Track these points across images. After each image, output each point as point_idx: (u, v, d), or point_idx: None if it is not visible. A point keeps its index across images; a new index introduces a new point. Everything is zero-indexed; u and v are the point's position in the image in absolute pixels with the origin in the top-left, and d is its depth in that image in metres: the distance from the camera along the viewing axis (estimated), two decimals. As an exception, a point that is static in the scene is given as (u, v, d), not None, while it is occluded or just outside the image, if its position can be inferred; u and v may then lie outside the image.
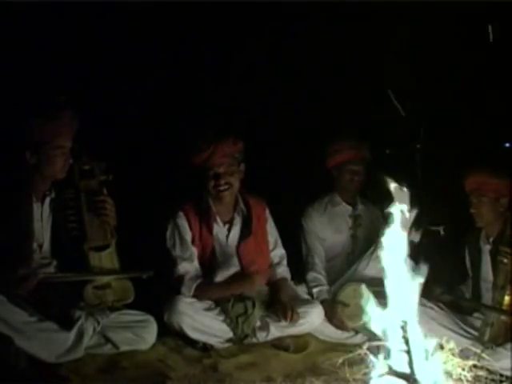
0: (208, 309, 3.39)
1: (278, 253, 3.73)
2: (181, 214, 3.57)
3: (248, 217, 3.62)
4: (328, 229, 3.91)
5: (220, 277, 3.54)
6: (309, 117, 4.55)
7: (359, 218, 3.94)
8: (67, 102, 3.03)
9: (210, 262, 3.56)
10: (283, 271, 3.69)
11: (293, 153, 4.42)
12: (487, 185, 3.33)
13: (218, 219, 3.60)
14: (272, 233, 3.73)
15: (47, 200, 3.11)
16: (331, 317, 3.53)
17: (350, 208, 3.96)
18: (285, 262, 3.74)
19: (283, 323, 3.39)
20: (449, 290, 3.48)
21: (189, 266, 3.50)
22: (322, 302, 3.58)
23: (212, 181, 3.50)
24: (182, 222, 3.55)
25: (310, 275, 3.76)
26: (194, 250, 3.54)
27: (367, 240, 3.84)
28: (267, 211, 3.73)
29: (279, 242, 3.76)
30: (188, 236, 3.54)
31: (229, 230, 3.62)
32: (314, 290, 3.68)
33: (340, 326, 3.51)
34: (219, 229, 3.60)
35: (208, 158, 3.47)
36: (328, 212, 3.94)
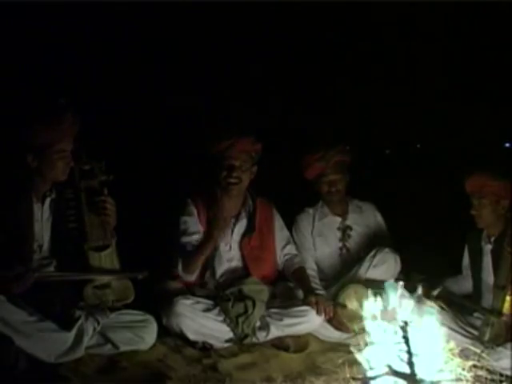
0: (207, 309, 3.38)
1: (291, 246, 3.75)
2: (189, 201, 3.61)
3: (253, 214, 3.64)
4: (317, 240, 3.86)
5: (221, 269, 3.58)
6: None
7: (349, 230, 3.85)
8: (68, 104, 3.03)
9: (212, 254, 3.56)
10: (300, 261, 3.71)
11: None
12: (487, 187, 3.31)
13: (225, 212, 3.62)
14: (282, 230, 3.75)
15: (47, 200, 3.11)
16: (331, 318, 3.52)
17: (338, 219, 3.88)
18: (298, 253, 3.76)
19: (290, 320, 3.39)
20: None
21: (196, 227, 3.54)
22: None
23: (225, 171, 3.53)
24: (191, 207, 3.59)
25: None
26: (200, 229, 3.55)
27: (361, 248, 3.79)
28: (274, 210, 3.75)
29: (291, 238, 3.79)
30: (195, 218, 3.56)
31: (234, 224, 3.64)
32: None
33: (339, 327, 3.51)
34: None
35: (226, 148, 3.51)
36: (316, 224, 3.87)
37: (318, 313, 3.40)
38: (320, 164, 3.74)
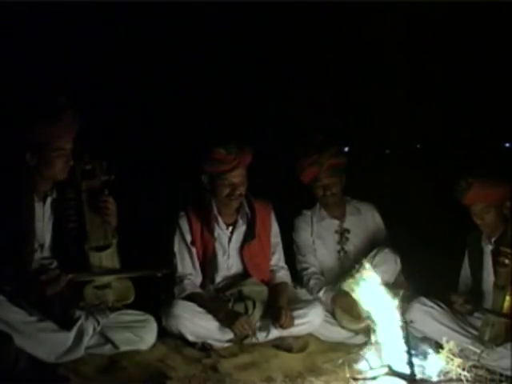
0: (206, 311, 3.38)
1: (279, 256, 3.71)
2: (182, 214, 3.57)
3: (252, 220, 3.60)
4: (316, 242, 3.83)
5: (220, 277, 3.56)
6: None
7: (346, 233, 3.82)
8: (68, 103, 3.02)
9: (211, 263, 3.55)
10: (283, 275, 3.66)
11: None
12: (491, 196, 3.27)
13: (221, 221, 3.59)
14: (276, 237, 3.71)
15: (48, 200, 3.11)
16: (348, 308, 3.45)
17: (336, 222, 3.84)
18: (285, 265, 3.72)
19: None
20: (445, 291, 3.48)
21: (188, 268, 3.51)
22: (335, 298, 3.54)
23: (227, 189, 3.47)
24: (183, 222, 3.55)
25: (311, 283, 3.71)
26: (194, 252, 3.53)
27: (360, 250, 3.77)
28: (272, 214, 3.70)
29: (280, 245, 3.73)
30: (188, 237, 3.54)
31: (231, 232, 3.61)
32: (320, 294, 3.62)
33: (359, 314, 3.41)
34: (221, 231, 3.59)
35: (230, 169, 3.43)
36: (315, 226, 3.84)
37: (277, 324, 3.34)
38: (314, 168, 3.70)
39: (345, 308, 3.48)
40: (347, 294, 3.47)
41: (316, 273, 3.76)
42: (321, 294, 3.63)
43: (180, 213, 3.57)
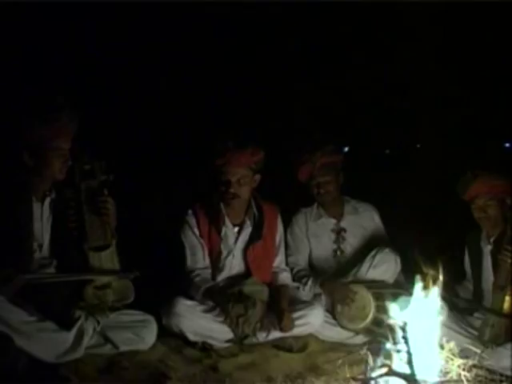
0: (207, 310, 3.39)
1: (281, 258, 3.71)
2: (190, 212, 3.58)
3: (260, 221, 3.61)
4: (312, 241, 3.84)
5: (222, 277, 3.56)
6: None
7: (343, 232, 3.82)
8: (66, 103, 3.02)
9: (216, 262, 3.56)
10: (285, 277, 3.66)
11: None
12: (496, 187, 3.30)
13: (228, 221, 3.59)
14: (279, 239, 3.71)
15: (47, 200, 3.10)
16: (336, 293, 3.53)
17: (333, 221, 3.84)
18: (287, 267, 3.72)
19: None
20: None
21: (199, 262, 3.52)
22: (323, 283, 3.59)
23: (223, 186, 3.50)
24: (191, 219, 3.57)
25: (298, 277, 3.72)
26: (205, 245, 3.54)
27: (357, 250, 3.79)
28: (279, 217, 3.71)
29: (283, 248, 3.74)
30: (197, 232, 3.55)
31: (238, 232, 3.61)
32: (306, 287, 3.65)
33: (345, 300, 3.49)
34: (228, 231, 3.59)
35: (223, 165, 3.46)
36: (311, 224, 3.84)
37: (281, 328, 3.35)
38: (306, 166, 3.72)
39: (333, 293, 3.53)
40: (335, 280, 3.50)
41: (301, 270, 3.75)
42: (309, 284, 3.64)
43: (188, 211, 3.58)
